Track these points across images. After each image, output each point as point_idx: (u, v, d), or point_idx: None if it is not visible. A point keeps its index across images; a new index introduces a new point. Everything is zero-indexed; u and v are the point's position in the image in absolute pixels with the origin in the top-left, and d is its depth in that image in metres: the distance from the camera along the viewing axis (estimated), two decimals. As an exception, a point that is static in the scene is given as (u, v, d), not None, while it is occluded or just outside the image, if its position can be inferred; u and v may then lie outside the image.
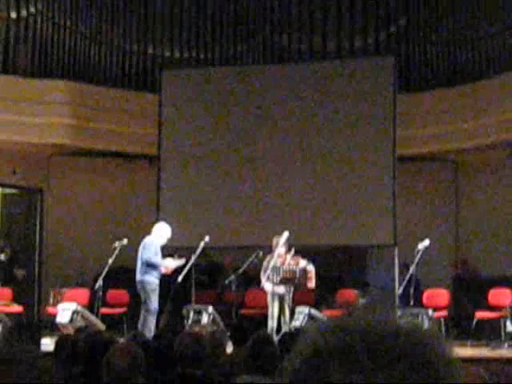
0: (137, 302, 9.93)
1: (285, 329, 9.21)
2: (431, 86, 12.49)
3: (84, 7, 13.05)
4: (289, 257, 9.62)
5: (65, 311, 9.98)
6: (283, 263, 9.57)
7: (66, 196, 13.23)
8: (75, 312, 9.88)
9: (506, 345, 9.60)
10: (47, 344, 7.50)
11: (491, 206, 12.33)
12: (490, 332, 10.26)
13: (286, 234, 9.68)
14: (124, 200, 13.33)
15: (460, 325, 10.73)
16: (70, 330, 8.78)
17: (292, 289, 9.59)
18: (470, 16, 12.17)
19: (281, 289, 9.56)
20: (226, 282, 10.48)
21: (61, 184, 13.19)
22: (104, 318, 10.20)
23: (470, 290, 11.32)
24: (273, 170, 11.91)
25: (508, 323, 9.95)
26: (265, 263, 9.78)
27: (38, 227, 13.09)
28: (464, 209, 12.88)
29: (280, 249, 9.64)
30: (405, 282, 9.50)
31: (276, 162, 11.90)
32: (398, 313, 8.26)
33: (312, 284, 9.53)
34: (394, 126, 11.41)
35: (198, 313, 9.97)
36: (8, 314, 10.34)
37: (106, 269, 10.01)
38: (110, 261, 10.04)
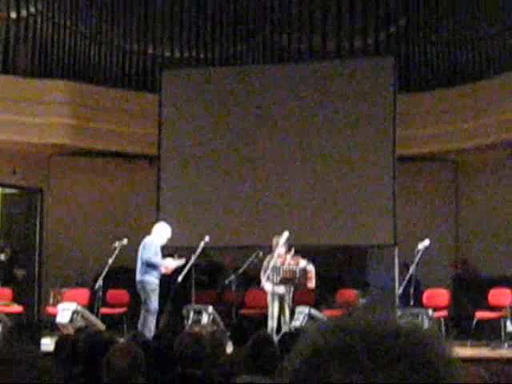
0: (137, 302, 9.93)
1: (285, 329, 9.21)
2: (431, 86, 12.49)
3: (84, 7, 13.05)
4: (289, 257, 9.61)
5: (65, 311, 9.98)
6: (283, 263, 9.56)
7: (66, 196, 13.23)
8: (75, 312, 9.88)
9: (506, 345, 9.60)
10: (47, 344, 7.50)
11: (491, 206, 12.33)
12: (490, 332, 10.26)
13: (285, 234, 9.68)
14: (124, 200, 13.33)
15: (460, 325, 10.73)
16: (70, 330, 8.78)
17: (292, 289, 9.59)
18: (470, 16, 12.17)
19: (281, 289, 9.56)
20: (226, 282, 10.48)
21: (61, 184, 13.19)
22: (104, 318, 10.19)
23: (470, 289, 11.32)
24: (273, 170, 11.90)
25: (508, 323, 9.94)
26: (265, 263, 9.77)
27: (38, 227, 13.09)
28: (464, 209, 12.88)
29: (280, 249, 9.64)
30: (405, 282, 9.50)
31: (276, 162, 11.90)
32: (398, 313, 8.26)
33: (312, 284, 9.52)
34: (393, 126, 11.41)
35: (198, 313, 9.97)
36: (8, 314, 10.34)
37: (106, 269, 10.00)
38: (110, 261, 10.04)
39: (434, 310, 9.83)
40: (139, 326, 9.50)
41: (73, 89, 12.51)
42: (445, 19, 12.55)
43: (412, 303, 9.45)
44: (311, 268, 9.54)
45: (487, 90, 11.75)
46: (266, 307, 9.72)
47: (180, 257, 10.10)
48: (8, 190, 13.41)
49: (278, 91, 12.01)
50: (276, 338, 5.79)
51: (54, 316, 10.16)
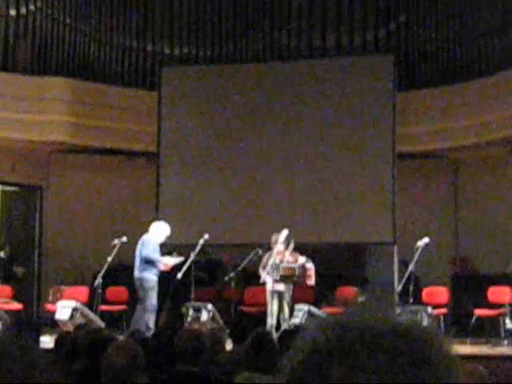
0: (136, 299, 9.93)
1: (284, 326, 9.21)
2: (431, 83, 12.47)
3: (83, 4, 13.04)
4: (287, 253, 9.62)
5: (64, 308, 9.98)
6: (282, 260, 9.57)
7: (66, 193, 13.21)
8: (75, 309, 9.88)
9: (505, 342, 9.60)
10: (47, 341, 7.51)
11: (491, 204, 12.32)
12: (489, 329, 10.26)
13: (285, 232, 9.68)
14: (123, 197, 13.32)
15: (459, 322, 10.72)
16: (70, 328, 8.77)
17: (291, 286, 9.59)
18: (470, 13, 12.16)
19: (280, 286, 9.56)
20: (226, 279, 10.48)
21: (60, 181, 13.18)
22: (103, 316, 10.20)
23: (469, 287, 11.32)
24: (272, 168, 11.90)
25: (507, 320, 9.94)
26: (264, 259, 9.77)
27: (37, 225, 13.08)
28: (464, 206, 12.87)
29: (279, 246, 9.64)
30: (404, 279, 9.50)
31: (275, 159, 11.90)
32: (397, 310, 8.26)
33: (312, 282, 9.53)
34: (393, 124, 11.41)
35: (198, 310, 9.96)
36: (8, 312, 10.35)
37: (106, 266, 10.01)
38: (110, 258, 10.04)
39: (434, 307, 9.82)
40: (132, 322, 9.49)
41: (72, 86, 12.50)
42: (445, 16, 12.54)
43: (411, 301, 9.44)
44: (311, 266, 9.53)
45: (488, 88, 11.74)
46: (265, 304, 9.72)
47: (179, 255, 10.11)
48: (8, 188, 13.41)
49: (277, 88, 12.01)
50: (275, 336, 5.79)
51: (54, 313, 10.16)
